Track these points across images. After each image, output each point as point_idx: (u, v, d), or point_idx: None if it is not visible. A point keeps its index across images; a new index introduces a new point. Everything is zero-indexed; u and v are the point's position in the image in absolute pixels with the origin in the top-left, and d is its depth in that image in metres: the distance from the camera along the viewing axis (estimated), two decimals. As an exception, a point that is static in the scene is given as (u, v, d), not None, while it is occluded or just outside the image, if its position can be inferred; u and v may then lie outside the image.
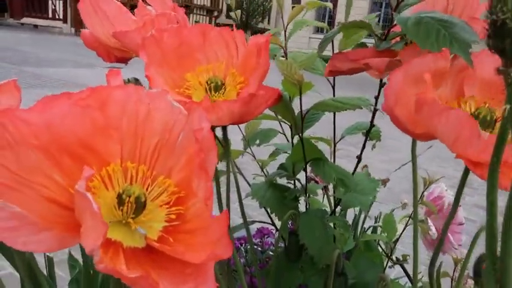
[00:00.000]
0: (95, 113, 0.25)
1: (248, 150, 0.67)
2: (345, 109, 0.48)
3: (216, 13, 44.59)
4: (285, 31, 0.55)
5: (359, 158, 0.58)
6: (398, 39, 0.48)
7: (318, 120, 0.64)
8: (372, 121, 0.56)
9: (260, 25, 50.21)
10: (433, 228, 0.78)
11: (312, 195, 0.59)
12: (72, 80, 7.47)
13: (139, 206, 0.25)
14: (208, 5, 42.24)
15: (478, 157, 0.25)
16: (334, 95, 0.59)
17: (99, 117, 0.26)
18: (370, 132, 0.56)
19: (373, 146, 0.62)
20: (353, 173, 0.58)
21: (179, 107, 0.27)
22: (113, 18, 0.41)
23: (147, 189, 0.26)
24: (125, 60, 0.46)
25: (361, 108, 0.48)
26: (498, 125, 0.29)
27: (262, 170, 0.66)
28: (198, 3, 40.79)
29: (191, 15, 40.77)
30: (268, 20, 55.31)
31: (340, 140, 0.63)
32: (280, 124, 0.61)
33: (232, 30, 0.41)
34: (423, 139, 0.33)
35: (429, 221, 0.78)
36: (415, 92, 0.31)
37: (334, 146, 0.62)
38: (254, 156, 0.66)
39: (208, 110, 0.35)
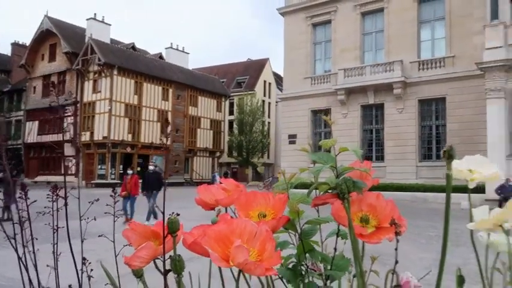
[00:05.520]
0: (225, 232, 0.77)
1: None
2: (320, 223, 0.99)
3: (218, 154, 46.99)
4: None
5: (335, 249, 1.06)
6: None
7: (316, 232, 1.14)
8: (338, 228, 1.06)
9: (260, 160, 51.61)
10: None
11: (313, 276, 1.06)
12: (87, 229, 7.94)
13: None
14: (211, 147, 44.94)
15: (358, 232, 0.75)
16: (318, 216, 1.10)
17: (226, 231, 0.77)
18: (339, 234, 1.06)
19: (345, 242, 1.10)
20: (333, 258, 1.06)
21: (255, 225, 0.79)
22: (214, 193, 0.96)
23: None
24: (213, 209, 0.99)
25: (328, 222, 0.99)
26: (371, 221, 0.81)
27: (282, 265, 1.14)
28: (201, 146, 43.52)
29: (195, 157, 43.04)
30: (268, 155, 56.85)
31: (326, 239, 1.12)
32: (289, 235, 1.11)
33: (267, 193, 0.95)
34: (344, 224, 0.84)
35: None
36: (337, 207, 0.83)
37: (322, 243, 1.11)
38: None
39: (263, 223, 0.87)
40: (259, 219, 0.91)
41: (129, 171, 12.09)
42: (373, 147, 24.31)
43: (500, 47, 17.00)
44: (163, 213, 0.75)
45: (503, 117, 16.97)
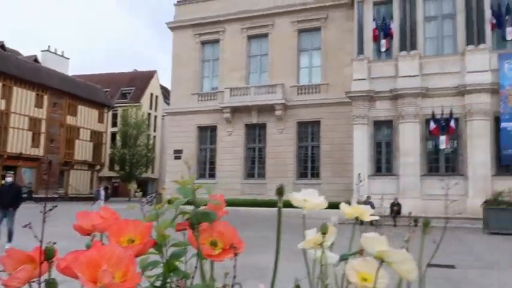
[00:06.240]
0: (95, 257, 0.92)
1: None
2: (184, 246, 1.18)
3: (98, 167, 44.33)
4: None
5: (196, 267, 1.26)
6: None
7: (185, 253, 1.31)
8: (198, 251, 1.26)
9: (144, 175, 49.99)
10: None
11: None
12: None
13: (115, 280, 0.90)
14: (90, 160, 42.23)
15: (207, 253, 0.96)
16: (184, 239, 1.28)
17: (97, 257, 0.92)
18: (199, 255, 1.26)
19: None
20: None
21: (122, 250, 0.94)
22: (92, 219, 1.08)
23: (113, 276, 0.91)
24: (89, 234, 1.11)
25: (189, 245, 1.18)
26: (219, 244, 1.02)
27: (150, 283, 1.30)
28: (79, 158, 40.67)
29: (72, 170, 40.00)
30: (153, 170, 55.23)
31: (190, 259, 1.31)
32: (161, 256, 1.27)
33: (138, 221, 1.10)
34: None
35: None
36: (191, 234, 1.03)
37: (186, 262, 1.30)
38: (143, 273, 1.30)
39: (130, 248, 1.02)
40: (128, 244, 1.06)
41: None
42: (255, 164, 25.40)
43: (364, 79, 19.32)
44: (41, 241, 0.87)
45: (366, 141, 19.20)
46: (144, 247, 1.10)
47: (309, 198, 1.25)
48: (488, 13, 18.40)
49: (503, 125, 17.54)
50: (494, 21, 18.33)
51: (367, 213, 1.19)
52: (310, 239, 1.21)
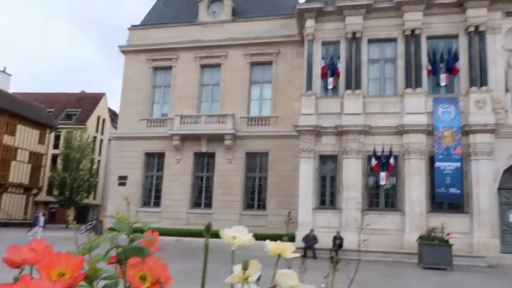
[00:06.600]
0: None
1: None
2: (115, 279, 1.22)
3: (35, 191, 41.82)
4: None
5: (126, 300, 1.30)
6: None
7: (116, 287, 1.35)
8: (124, 285, 1.31)
9: (85, 201, 47.87)
10: None
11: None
12: None
13: (43, 310, 0.93)
14: (27, 183, 39.84)
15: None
16: (116, 272, 1.33)
17: (31, 288, 0.95)
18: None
19: None
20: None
21: (50, 284, 0.98)
22: (22, 253, 1.11)
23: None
24: (19, 267, 1.13)
25: (119, 279, 1.23)
26: (148, 279, 1.08)
27: (80, 315, 1.32)
28: (15, 181, 38.29)
29: (5, 194, 37.47)
30: (95, 195, 53.03)
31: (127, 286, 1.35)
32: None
33: (70, 255, 1.14)
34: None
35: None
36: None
37: (116, 297, 1.33)
38: (76, 308, 1.32)
39: (59, 282, 1.06)
40: (58, 278, 1.10)
41: None
42: (202, 194, 25.17)
43: (312, 114, 20.03)
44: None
45: (311, 175, 19.71)
46: (74, 281, 1.13)
47: (238, 235, 1.35)
48: (425, 60, 19.92)
49: (437, 164, 18.72)
50: (430, 67, 19.84)
51: (288, 250, 1.29)
52: (236, 274, 1.29)
